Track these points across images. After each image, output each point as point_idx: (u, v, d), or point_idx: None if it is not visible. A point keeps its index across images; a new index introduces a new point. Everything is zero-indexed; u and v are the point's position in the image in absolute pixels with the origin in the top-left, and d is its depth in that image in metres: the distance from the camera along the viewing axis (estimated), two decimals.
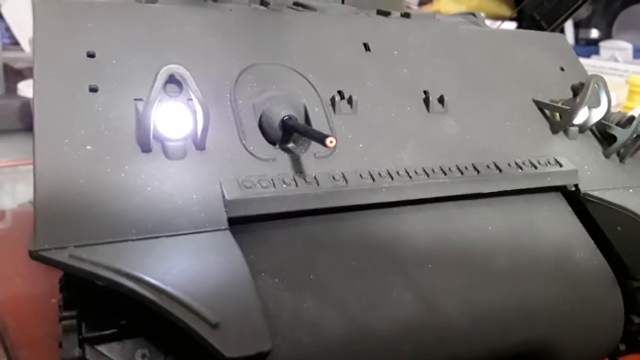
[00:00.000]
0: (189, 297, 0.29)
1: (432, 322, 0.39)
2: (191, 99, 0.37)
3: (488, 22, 1.98)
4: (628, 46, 1.62)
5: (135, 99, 0.40)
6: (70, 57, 0.40)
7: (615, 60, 1.62)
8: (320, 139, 0.36)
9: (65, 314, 0.32)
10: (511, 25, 1.92)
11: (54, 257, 0.31)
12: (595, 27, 1.84)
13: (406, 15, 0.60)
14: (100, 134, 0.37)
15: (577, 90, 0.53)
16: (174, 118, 0.37)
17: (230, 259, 0.33)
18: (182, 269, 0.32)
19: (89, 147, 0.37)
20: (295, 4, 0.58)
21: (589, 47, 1.77)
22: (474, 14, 0.67)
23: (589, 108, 0.51)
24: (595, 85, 0.50)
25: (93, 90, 0.39)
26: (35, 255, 0.31)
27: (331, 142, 0.36)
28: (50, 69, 0.39)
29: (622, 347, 0.48)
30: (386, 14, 0.60)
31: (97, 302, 0.33)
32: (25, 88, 1.35)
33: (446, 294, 0.40)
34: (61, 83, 0.39)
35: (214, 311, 0.29)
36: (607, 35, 1.78)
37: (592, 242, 0.48)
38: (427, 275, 0.40)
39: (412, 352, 0.37)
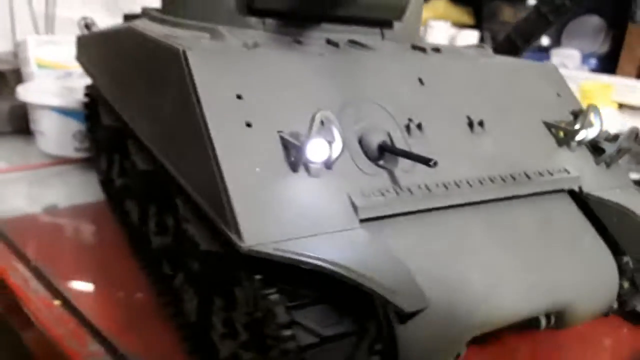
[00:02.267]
0: (371, 273, 0.43)
1: (495, 291, 0.54)
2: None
3: (452, 29, 2.17)
4: (576, 53, 1.85)
5: (278, 131, 0.52)
6: (225, 98, 0.53)
7: (565, 66, 1.84)
8: (425, 161, 0.51)
9: (268, 291, 0.45)
10: (472, 34, 2.11)
11: (263, 249, 0.44)
12: (546, 35, 2.06)
13: (437, 50, 0.75)
14: (262, 159, 0.50)
15: (577, 114, 0.70)
16: (320, 148, 0.50)
17: (376, 247, 0.47)
18: (351, 255, 0.45)
19: (257, 170, 0.49)
20: (351, 41, 0.72)
21: (540, 54, 1.99)
22: (483, 46, 0.83)
23: (586, 128, 0.68)
24: (592, 111, 0.67)
25: (248, 125, 0.52)
26: (248, 251, 0.44)
27: (435, 163, 0.50)
28: (215, 107, 0.52)
29: (615, 305, 0.65)
30: (422, 49, 0.74)
31: (289, 281, 0.46)
32: (23, 92, 1.40)
33: (503, 269, 0.56)
34: (226, 119, 0.51)
35: (389, 282, 0.43)
36: (557, 43, 2.01)
37: (593, 229, 0.65)
38: (489, 253, 0.56)
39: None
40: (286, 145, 0.52)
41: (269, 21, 0.71)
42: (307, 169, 0.51)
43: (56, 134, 1.33)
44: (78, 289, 0.85)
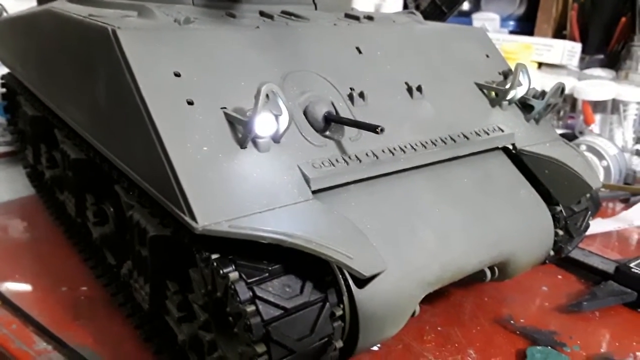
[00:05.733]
0: (329, 242, 0.44)
1: (446, 248, 0.56)
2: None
3: None
4: (495, 17, 1.91)
5: (221, 108, 0.51)
6: (163, 77, 0.51)
7: (486, 29, 1.90)
8: (372, 128, 0.51)
9: (227, 270, 0.45)
10: (397, 1, 2.13)
11: (219, 228, 0.44)
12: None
13: (370, 18, 0.76)
14: (207, 137, 0.49)
15: (507, 74, 0.73)
16: (268, 122, 0.49)
17: (332, 216, 0.48)
18: (307, 227, 0.46)
19: (205, 148, 0.48)
20: (284, 12, 0.71)
21: (461, 18, 2.04)
22: (414, 12, 0.84)
23: (516, 87, 0.71)
24: (521, 71, 0.70)
25: (190, 103, 0.50)
26: (202, 231, 0.44)
27: (382, 129, 0.51)
28: (153, 87, 0.50)
29: (552, 252, 0.69)
30: (355, 17, 0.75)
31: (245, 257, 0.46)
32: None
33: (451, 226, 0.58)
34: (166, 98, 0.50)
35: (347, 249, 0.44)
36: (476, 7, 2.06)
37: (527, 182, 0.68)
38: (437, 213, 0.58)
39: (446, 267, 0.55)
40: (231, 121, 0.51)
41: None
42: (256, 144, 0.51)
43: None
44: (17, 288, 0.81)
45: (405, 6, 2.09)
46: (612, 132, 1.38)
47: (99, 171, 0.71)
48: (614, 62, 1.61)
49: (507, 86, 0.70)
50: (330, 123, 0.56)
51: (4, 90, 1.17)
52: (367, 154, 0.56)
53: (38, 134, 0.97)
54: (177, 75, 0.52)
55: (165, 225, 0.56)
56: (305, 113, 0.56)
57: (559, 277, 0.87)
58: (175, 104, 0.50)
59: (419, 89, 0.66)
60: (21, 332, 0.72)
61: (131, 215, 0.62)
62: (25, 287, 0.82)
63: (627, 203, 1.16)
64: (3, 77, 1.16)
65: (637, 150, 1.33)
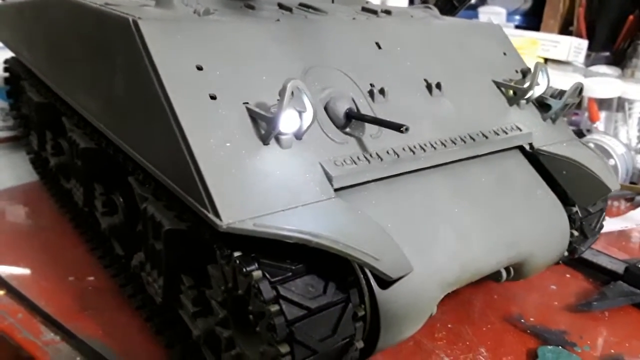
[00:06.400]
0: (355, 243, 0.43)
1: (466, 248, 0.56)
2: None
3: None
4: (502, 11, 1.90)
5: (243, 103, 0.51)
6: (185, 70, 0.50)
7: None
8: (396, 127, 0.51)
9: (250, 268, 0.44)
10: None
11: (244, 227, 0.43)
12: None
13: (387, 12, 0.75)
14: (231, 133, 0.48)
15: (525, 72, 0.72)
16: (292, 119, 0.48)
17: (356, 215, 0.47)
18: (332, 226, 0.45)
19: (228, 145, 0.48)
20: (301, 4, 0.70)
21: (468, 12, 2.03)
22: (430, 7, 0.83)
23: (535, 86, 0.70)
24: (540, 70, 0.69)
25: (212, 97, 0.49)
26: (227, 229, 0.43)
27: (407, 129, 0.50)
28: (176, 80, 0.49)
29: (566, 253, 0.69)
30: (373, 11, 0.74)
31: (268, 256, 0.45)
32: None
33: (470, 226, 0.57)
34: (189, 92, 0.49)
35: (373, 250, 0.43)
36: (483, 1, 2.05)
37: (544, 183, 0.68)
38: (456, 213, 0.57)
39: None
40: (254, 117, 0.50)
41: None
42: (278, 141, 0.50)
43: None
44: (22, 277, 0.80)
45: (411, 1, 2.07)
46: (616, 130, 1.38)
47: (110, 161, 0.70)
48: (620, 59, 1.61)
49: (526, 85, 0.69)
50: (352, 120, 0.56)
51: (7, 74, 1.15)
52: (388, 152, 0.56)
53: (44, 120, 0.96)
54: (200, 68, 0.51)
55: (181, 219, 0.55)
56: (326, 109, 0.56)
57: (567, 275, 0.87)
58: (198, 98, 0.49)
59: (438, 86, 0.65)
60: (27, 321, 0.71)
61: (145, 207, 0.61)
62: (31, 276, 0.81)
63: (632, 202, 1.17)
64: (6, 61, 1.14)
65: None
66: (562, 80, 1.28)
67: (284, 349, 0.44)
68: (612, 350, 0.70)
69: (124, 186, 0.69)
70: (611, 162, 1.19)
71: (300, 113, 0.49)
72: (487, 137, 0.64)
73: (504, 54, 0.77)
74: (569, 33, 1.69)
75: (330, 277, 0.47)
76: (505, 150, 0.67)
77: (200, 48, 0.52)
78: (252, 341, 0.49)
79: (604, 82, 1.37)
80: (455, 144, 0.61)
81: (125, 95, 0.56)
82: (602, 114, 1.38)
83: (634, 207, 1.13)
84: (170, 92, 0.48)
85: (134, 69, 0.52)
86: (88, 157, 0.76)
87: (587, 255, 0.87)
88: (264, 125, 0.49)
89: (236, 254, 0.46)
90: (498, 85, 0.71)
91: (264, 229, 0.43)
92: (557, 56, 1.62)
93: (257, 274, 0.44)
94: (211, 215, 0.45)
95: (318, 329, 0.45)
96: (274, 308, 0.43)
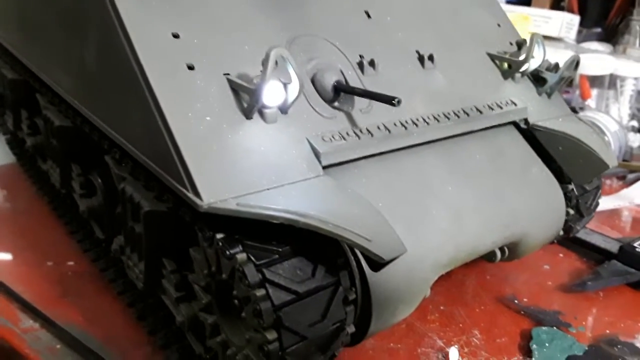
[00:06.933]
0: (346, 223, 0.40)
1: (460, 228, 0.54)
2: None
3: None
4: None
5: (224, 74, 0.47)
6: (160, 38, 0.46)
7: None
8: (388, 99, 0.48)
9: (233, 251, 0.41)
10: None
11: (226, 206, 0.40)
12: None
13: None
14: (210, 106, 0.45)
15: (520, 44, 0.70)
16: (276, 90, 0.45)
17: (346, 194, 0.45)
18: (320, 205, 0.42)
19: (208, 118, 0.44)
20: None
21: None
22: None
23: (530, 59, 0.67)
24: (536, 42, 0.66)
25: (190, 68, 0.46)
26: (208, 209, 0.40)
27: (399, 101, 0.47)
28: (150, 49, 0.45)
29: (561, 232, 0.67)
30: None
31: (255, 239, 0.42)
32: None
33: (465, 205, 0.55)
34: (164, 61, 0.45)
35: (364, 231, 0.41)
36: None
37: (540, 159, 0.65)
38: (450, 192, 0.55)
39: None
40: (236, 89, 0.47)
41: None
42: (262, 115, 0.47)
43: None
44: None
45: None
46: (608, 108, 1.36)
47: (86, 140, 0.66)
48: (611, 36, 1.58)
49: (522, 57, 0.66)
50: (340, 93, 0.53)
51: None
52: (378, 128, 0.53)
53: (18, 98, 0.92)
54: (176, 36, 0.47)
55: (161, 200, 0.52)
56: (312, 81, 0.52)
57: (560, 255, 0.85)
58: (175, 68, 0.46)
59: (431, 58, 0.62)
60: (5, 308, 0.68)
61: (123, 188, 0.58)
62: (8, 261, 0.78)
63: (625, 180, 1.15)
64: None
65: (633, 126, 1.32)
66: (554, 57, 1.26)
67: (271, 335, 0.41)
68: (607, 331, 0.68)
69: (101, 166, 0.66)
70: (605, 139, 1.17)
71: (285, 85, 0.46)
72: (481, 112, 0.61)
73: (498, 25, 0.74)
74: (561, 8, 1.66)
75: (319, 259, 0.44)
76: (500, 126, 0.65)
77: (177, 14, 0.49)
78: (238, 327, 0.46)
79: (596, 59, 1.35)
80: (448, 119, 0.58)
81: (98, 68, 0.53)
82: (594, 92, 1.36)
83: (627, 185, 1.11)
84: (143, 61, 0.45)
85: (106, 39, 0.49)
86: (63, 135, 0.72)
87: (581, 234, 0.85)
88: (246, 98, 0.46)
89: (219, 235, 0.43)
90: (492, 57, 0.68)
91: (248, 208, 0.40)
92: (549, 32, 1.59)
93: (242, 256, 0.41)
94: (191, 195, 0.42)
95: (307, 314, 0.42)
96: (260, 293, 0.41)
